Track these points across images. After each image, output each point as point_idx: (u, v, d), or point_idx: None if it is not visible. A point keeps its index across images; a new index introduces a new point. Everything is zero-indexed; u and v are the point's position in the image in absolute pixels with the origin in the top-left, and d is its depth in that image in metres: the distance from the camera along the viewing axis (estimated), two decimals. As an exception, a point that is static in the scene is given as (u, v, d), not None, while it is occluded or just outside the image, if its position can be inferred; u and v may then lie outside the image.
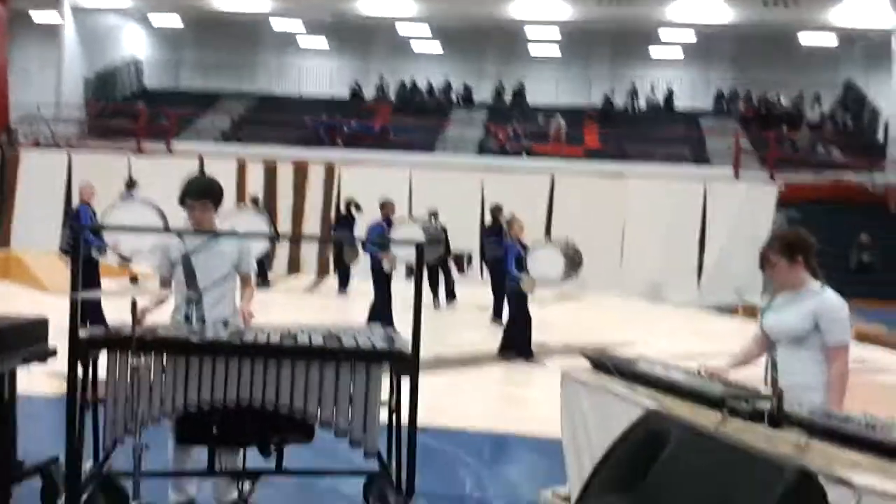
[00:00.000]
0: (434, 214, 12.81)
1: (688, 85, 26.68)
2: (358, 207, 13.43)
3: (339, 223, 14.77)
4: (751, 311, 10.65)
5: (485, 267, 13.29)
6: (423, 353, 3.68)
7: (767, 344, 3.58)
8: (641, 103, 25.86)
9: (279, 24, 27.06)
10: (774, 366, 3.25)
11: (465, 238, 15.25)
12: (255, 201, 13.71)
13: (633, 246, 15.91)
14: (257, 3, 24.63)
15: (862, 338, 10.21)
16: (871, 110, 23.99)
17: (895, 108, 22.36)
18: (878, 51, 23.55)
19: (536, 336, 8.68)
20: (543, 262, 8.56)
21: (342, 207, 14.95)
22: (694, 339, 10.35)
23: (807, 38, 24.72)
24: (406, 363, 3.61)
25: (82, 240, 3.61)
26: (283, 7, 24.89)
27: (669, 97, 25.83)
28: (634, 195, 16.07)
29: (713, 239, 15.88)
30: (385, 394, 3.70)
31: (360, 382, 3.54)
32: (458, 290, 13.12)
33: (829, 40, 24.65)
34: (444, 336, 9.31)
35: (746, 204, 15.94)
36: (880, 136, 22.61)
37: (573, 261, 8.99)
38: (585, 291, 14.87)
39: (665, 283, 15.58)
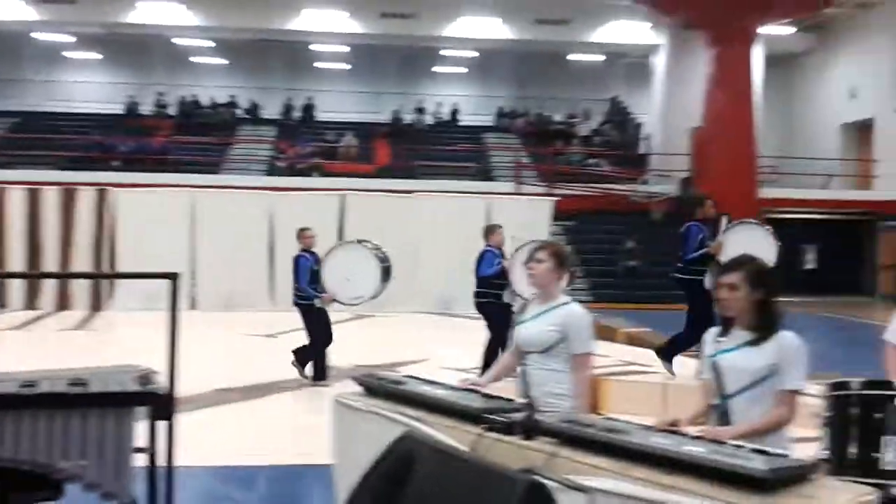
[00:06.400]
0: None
1: (472, 102, 27.70)
2: None
3: None
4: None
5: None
6: (206, 387, 3.48)
7: (520, 355, 3.72)
8: (429, 119, 26.48)
9: (45, 37, 25.14)
10: (525, 377, 3.38)
11: (253, 263, 14.87)
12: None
13: (427, 262, 16.16)
14: (19, 13, 22.71)
15: (631, 340, 11.00)
16: (634, 125, 26.11)
17: (654, 122, 24.49)
18: (640, 69, 25.64)
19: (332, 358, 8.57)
20: (359, 277, 8.06)
21: None
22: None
23: (577, 57, 26.56)
24: (161, 404, 3.40)
25: None
26: (49, 19, 23.16)
27: (455, 114, 26.65)
28: (424, 212, 16.37)
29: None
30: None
31: (110, 430, 3.29)
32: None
33: (597, 58, 26.63)
34: (231, 368, 8.93)
35: (527, 216, 16.65)
36: (642, 148, 24.67)
37: (387, 269, 8.52)
38: (382, 308, 14.87)
39: (456, 298, 15.95)
